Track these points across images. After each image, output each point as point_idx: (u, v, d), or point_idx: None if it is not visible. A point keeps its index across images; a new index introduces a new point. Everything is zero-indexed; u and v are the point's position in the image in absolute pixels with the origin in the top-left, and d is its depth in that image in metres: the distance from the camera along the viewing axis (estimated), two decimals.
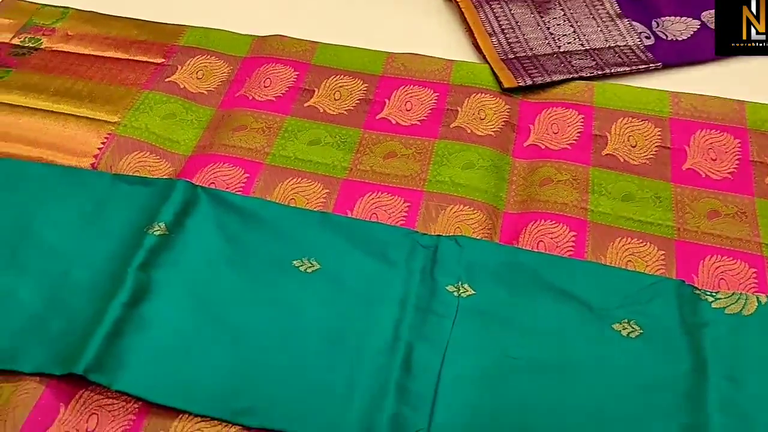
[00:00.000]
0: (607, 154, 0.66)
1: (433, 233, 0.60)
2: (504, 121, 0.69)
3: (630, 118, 0.69)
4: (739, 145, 0.67)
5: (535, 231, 0.60)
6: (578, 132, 0.68)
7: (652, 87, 0.72)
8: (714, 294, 0.55)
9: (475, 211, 0.61)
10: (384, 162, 0.66)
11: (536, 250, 0.58)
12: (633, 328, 0.53)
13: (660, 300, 0.55)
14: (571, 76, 0.72)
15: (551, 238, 0.60)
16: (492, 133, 0.68)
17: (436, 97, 0.72)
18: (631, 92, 0.71)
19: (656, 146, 0.67)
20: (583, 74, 0.72)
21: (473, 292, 0.56)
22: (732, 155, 0.66)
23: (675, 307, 0.54)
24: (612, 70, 0.73)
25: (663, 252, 0.59)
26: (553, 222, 0.61)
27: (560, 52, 0.76)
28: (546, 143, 0.68)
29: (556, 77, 0.72)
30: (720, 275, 0.57)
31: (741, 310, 0.54)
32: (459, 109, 0.70)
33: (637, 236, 0.60)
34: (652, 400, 0.50)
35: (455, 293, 0.55)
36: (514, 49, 0.76)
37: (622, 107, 0.70)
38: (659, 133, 0.68)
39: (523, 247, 0.59)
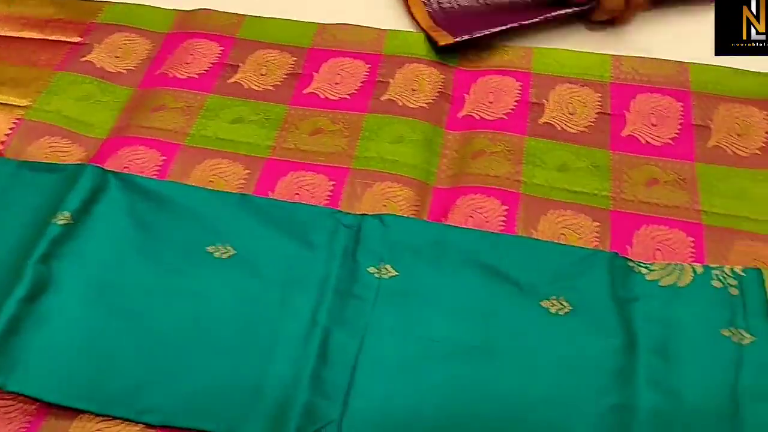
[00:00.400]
0: (544, 123, 0.63)
1: (358, 212, 0.57)
2: (438, 91, 0.66)
3: (569, 84, 0.66)
4: (682, 108, 0.64)
5: (465, 206, 0.57)
6: (515, 100, 0.65)
7: (595, 51, 0.69)
8: (648, 266, 0.52)
9: (403, 188, 0.58)
10: (310, 139, 0.63)
11: (465, 227, 0.56)
12: (562, 304, 0.51)
13: (591, 274, 0.52)
14: (510, 26, 0.68)
15: (481, 214, 0.57)
16: (425, 105, 0.65)
17: (367, 69, 0.68)
18: (571, 57, 0.68)
19: (596, 113, 0.64)
20: (523, 22, 0.68)
21: (396, 273, 0.53)
22: (674, 120, 0.63)
23: (606, 281, 0.51)
24: (550, 15, 0.68)
25: (598, 224, 0.56)
26: (484, 196, 0.58)
27: (495, 3, 0.72)
28: (481, 113, 0.64)
29: (493, 29, 0.68)
30: (656, 245, 0.55)
31: (676, 281, 0.51)
32: (391, 81, 0.67)
33: (572, 208, 0.57)
34: (580, 380, 0.47)
35: (376, 275, 0.52)
36: (447, 11, 0.73)
37: (562, 73, 0.67)
38: (599, 98, 0.65)
39: (452, 224, 0.56)
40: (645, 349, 0.48)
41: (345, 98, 0.66)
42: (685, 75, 0.66)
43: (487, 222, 0.56)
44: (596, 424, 0.45)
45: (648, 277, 0.52)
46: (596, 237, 0.55)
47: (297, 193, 0.59)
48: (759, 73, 0.65)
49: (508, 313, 0.50)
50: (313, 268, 0.53)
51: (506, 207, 0.57)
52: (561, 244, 0.54)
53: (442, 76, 0.67)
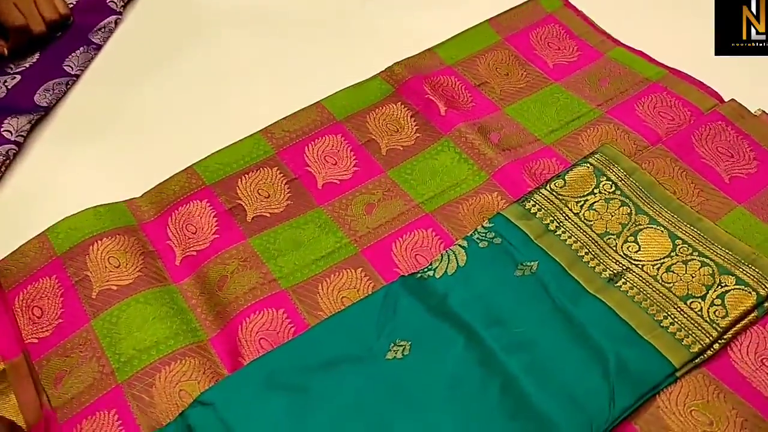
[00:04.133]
0: (253, 218, 0.64)
1: (155, 418, 0.51)
2: (141, 255, 0.62)
3: (246, 175, 0.68)
4: (344, 139, 0.70)
5: (249, 334, 0.56)
6: (213, 216, 0.65)
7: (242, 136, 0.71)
8: (430, 266, 0.58)
9: (184, 363, 0.54)
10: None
11: (262, 352, 0.54)
12: (401, 345, 0.53)
13: (401, 306, 0.55)
14: None
15: (268, 329, 0.56)
16: (136, 275, 0.60)
17: None
18: (231, 153, 0.70)
19: (286, 187, 0.67)
20: None
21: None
22: (344, 152, 0.69)
23: (416, 301, 0.55)
24: None
25: (361, 269, 0.60)
26: (258, 313, 0.57)
27: None
28: (192, 248, 0.62)
29: None
30: (414, 253, 0.60)
31: (457, 263, 0.58)
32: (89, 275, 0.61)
33: (333, 272, 0.60)
34: (460, 397, 0.51)
35: None
36: None
37: (230, 172, 0.68)
38: (280, 173, 0.68)
39: (250, 358, 0.54)
40: (482, 328, 0.53)
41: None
42: (324, 111, 0.73)
43: (277, 333, 0.56)
44: (496, 409, 0.49)
45: (438, 275, 0.57)
46: (368, 280, 0.59)
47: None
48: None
49: (375, 385, 0.51)
50: None
51: (283, 309, 0.57)
52: (355, 303, 0.56)
53: (133, 238, 0.63)
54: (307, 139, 0.70)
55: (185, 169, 0.68)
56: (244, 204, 0.65)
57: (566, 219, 0.60)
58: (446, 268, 0.58)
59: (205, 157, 0.69)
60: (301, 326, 0.56)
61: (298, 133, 0.71)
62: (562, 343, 0.52)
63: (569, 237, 0.59)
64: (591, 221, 0.60)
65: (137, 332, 0.56)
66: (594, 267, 0.57)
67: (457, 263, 0.58)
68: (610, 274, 0.56)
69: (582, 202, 0.61)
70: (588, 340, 0.52)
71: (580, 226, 0.59)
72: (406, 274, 0.58)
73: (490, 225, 0.60)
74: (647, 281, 0.55)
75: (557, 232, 0.59)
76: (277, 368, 0.53)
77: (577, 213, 0.60)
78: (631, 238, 0.58)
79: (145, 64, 0.83)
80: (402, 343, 0.53)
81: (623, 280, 0.56)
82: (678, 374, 0.50)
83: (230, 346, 0.55)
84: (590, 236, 0.59)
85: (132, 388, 0.53)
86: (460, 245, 0.59)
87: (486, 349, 0.52)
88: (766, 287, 0.53)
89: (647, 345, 0.52)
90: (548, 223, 0.60)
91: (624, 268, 0.56)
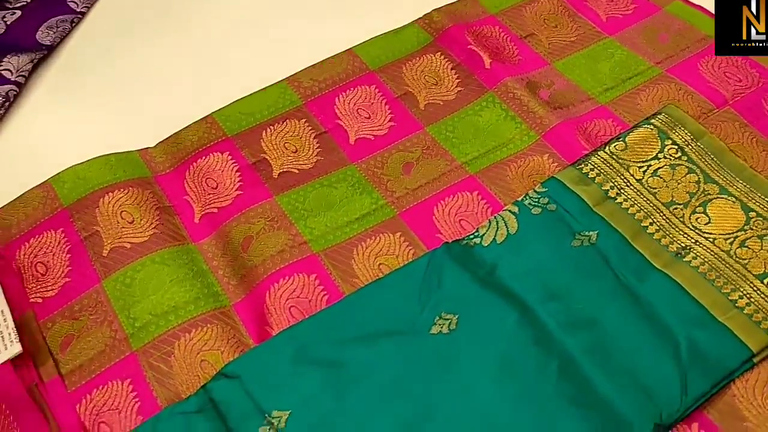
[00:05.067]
0: (279, 175, 0.58)
1: (174, 390, 0.46)
2: (157, 209, 0.56)
3: (271, 127, 0.62)
4: (378, 91, 0.64)
5: (278, 301, 0.50)
6: (235, 171, 0.59)
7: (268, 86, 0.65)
8: (476, 233, 0.52)
9: (206, 331, 0.49)
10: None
11: (292, 321, 0.49)
12: (447, 318, 0.48)
13: (446, 275, 0.50)
14: None
15: (298, 297, 0.51)
16: (152, 233, 0.54)
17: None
18: (254, 102, 0.63)
19: (315, 141, 0.61)
20: None
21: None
22: (378, 105, 0.63)
23: (463, 271, 0.50)
24: None
25: (399, 233, 0.54)
26: (287, 278, 0.51)
27: None
28: (213, 205, 0.57)
29: None
30: (458, 218, 0.55)
31: (507, 230, 0.52)
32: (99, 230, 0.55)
33: (369, 236, 0.54)
34: (513, 378, 0.46)
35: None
36: None
37: (253, 123, 0.62)
38: (309, 126, 0.62)
39: (278, 328, 0.49)
40: (536, 303, 0.48)
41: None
42: (356, 60, 0.66)
43: (309, 302, 0.50)
44: (554, 394, 0.44)
45: (485, 243, 0.52)
46: (407, 246, 0.53)
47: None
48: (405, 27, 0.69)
49: (409, 362, 0.46)
50: None
51: (315, 274, 0.52)
52: (395, 271, 0.51)
53: (148, 191, 0.57)
54: (338, 89, 0.64)
55: (204, 117, 0.62)
56: (269, 158, 0.59)
57: (628, 185, 0.54)
58: (495, 236, 0.52)
59: (226, 106, 0.63)
60: (334, 294, 0.51)
61: (328, 82, 0.65)
62: (627, 322, 0.47)
63: (632, 205, 0.53)
64: (655, 189, 0.54)
65: (153, 295, 0.51)
66: (660, 239, 0.51)
67: (507, 230, 0.52)
68: (678, 248, 0.51)
69: (645, 168, 0.55)
70: (656, 321, 0.47)
71: (643, 194, 0.54)
72: (451, 241, 0.52)
73: (544, 190, 0.55)
74: (719, 256, 0.50)
75: (618, 200, 0.54)
76: (309, 341, 0.48)
77: (640, 179, 0.55)
78: (700, 209, 0.53)
79: (162, 3, 0.76)
80: (448, 316, 0.48)
81: (693, 254, 0.50)
82: (756, 359, 0.45)
83: (256, 314, 0.50)
84: (655, 205, 0.53)
85: (148, 357, 0.48)
86: (510, 211, 0.54)
87: (542, 327, 0.47)
88: None
89: (722, 327, 0.46)
90: (608, 190, 0.54)
91: (693, 241, 0.51)
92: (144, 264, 0.52)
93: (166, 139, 0.61)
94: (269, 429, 0.44)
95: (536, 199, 0.54)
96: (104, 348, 0.49)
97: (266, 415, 0.44)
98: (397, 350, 0.47)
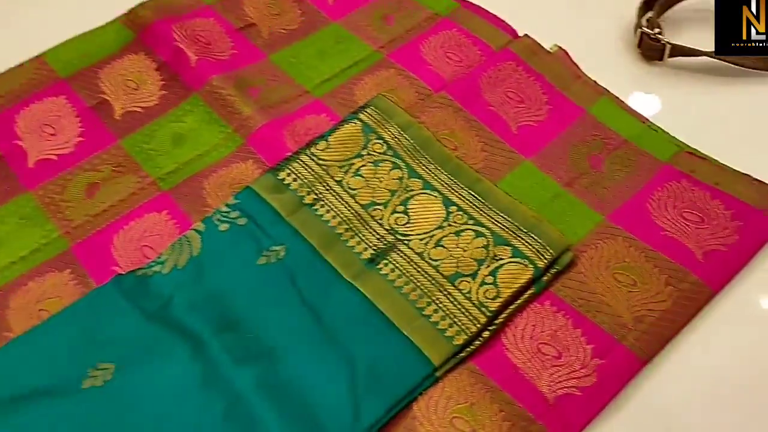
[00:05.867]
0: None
1: None
2: None
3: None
4: (67, 102, 0.56)
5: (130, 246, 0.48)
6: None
7: None
8: (158, 260, 0.46)
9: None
10: None
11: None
12: (103, 368, 0.42)
13: (107, 316, 0.44)
14: None
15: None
16: None
17: None
18: None
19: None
20: None
21: None
22: (67, 118, 0.56)
23: (131, 307, 0.44)
24: None
25: (69, 269, 0.47)
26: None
27: None
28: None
29: None
30: (141, 243, 0.48)
31: (190, 252, 0.46)
32: None
33: (35, 275, 0.47)
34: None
35: None
36: None
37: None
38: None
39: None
40: (211, 336, 0.43)
41: None
42: (45, 67, 0.58)
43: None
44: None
45: (165, 270, 0.46)
46: (76, 284, 0.46)
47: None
48: None
49: (68, 423, 0.40)
50: None
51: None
52: (51, 318, 0.44)
53: None
54: (20, 104, 0.56)
55: None
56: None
57: (327, 190, 0.50)
58: (177, 261, 0.46)
59: None
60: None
61: (7, 98, 0.56)
62: (304, 348, 0.43)
63: (328, 211, 0.49)
64: (355, 190, 0.50)
65: None
66: (354, 246, 0.47)
67: (191, 253, 0.47)
68: (371, 254, 0.47)
69: (346, 167, 0.51)
70: (334, 343, 0.43)
71: (342, 197, 0.49)
72: (126, 273, 0.46)
73: (235, 202, 0.49)
74: (413, 261, 0.46)
75: (315, 206, 0.49)
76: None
77: (340, 181, 0.50)
78: (401, 208, 0.49)
79: None
80: (104, 365, 0.42)
81: (385, 260, 0.46)
82: (438, 373, 0.42)
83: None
84: (353, 209, 0.49)
85: None
86: (195, 230, 0.48)
87: (213, 364, 0.42)
88: (544, 258, 0.45)
89: (404, 340, 0.43)
90: (303, 196, 0.49)
91: (388, 245, 0.47)
92: None
93: None
94: None
95: (226, 213, 0.48)
96: None
97: None
98: (47, 412, 0.41)
